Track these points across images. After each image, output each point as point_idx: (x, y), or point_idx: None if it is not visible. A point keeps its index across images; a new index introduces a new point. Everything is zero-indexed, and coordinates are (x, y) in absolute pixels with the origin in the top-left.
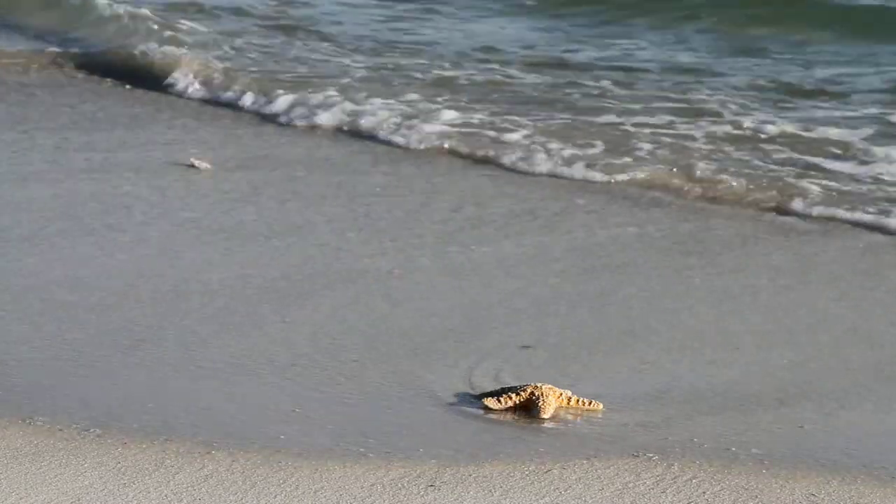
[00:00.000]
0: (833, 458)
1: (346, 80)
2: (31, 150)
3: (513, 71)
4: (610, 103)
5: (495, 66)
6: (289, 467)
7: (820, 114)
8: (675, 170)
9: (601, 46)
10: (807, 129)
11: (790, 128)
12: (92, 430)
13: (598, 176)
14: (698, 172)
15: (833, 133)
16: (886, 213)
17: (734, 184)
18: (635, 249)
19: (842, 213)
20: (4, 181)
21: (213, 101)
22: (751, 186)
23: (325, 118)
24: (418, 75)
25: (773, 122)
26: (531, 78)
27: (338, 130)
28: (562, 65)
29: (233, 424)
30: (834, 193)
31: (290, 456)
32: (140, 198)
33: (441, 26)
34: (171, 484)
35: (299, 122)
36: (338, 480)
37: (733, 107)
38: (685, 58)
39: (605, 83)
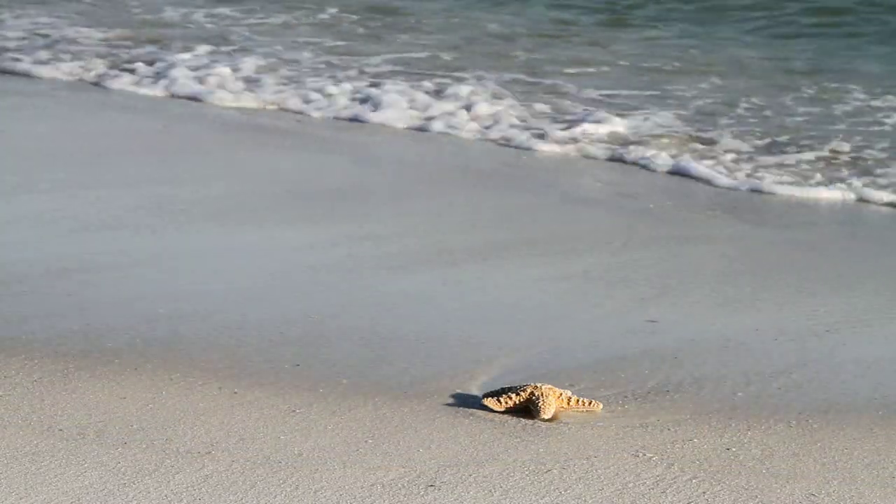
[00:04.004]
0: (833, 457)
1: None
2: None
3: None
4: None
5: None
6: (289, 467)
7: None
8: None
9: None
10: None
11: None
12: (92, 430)
13: None
14: None
15: None
16: None
17: None
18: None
19: None
20: None
21: None
22: None
23: None
24: None
25: None
26: None
27: None
28: None
29: (233, 424)
30: None
31: (290, 456)
32: None
33: None
34: (171, 484)
35: None
36: (338, 480)
37: None
38: None
39: None
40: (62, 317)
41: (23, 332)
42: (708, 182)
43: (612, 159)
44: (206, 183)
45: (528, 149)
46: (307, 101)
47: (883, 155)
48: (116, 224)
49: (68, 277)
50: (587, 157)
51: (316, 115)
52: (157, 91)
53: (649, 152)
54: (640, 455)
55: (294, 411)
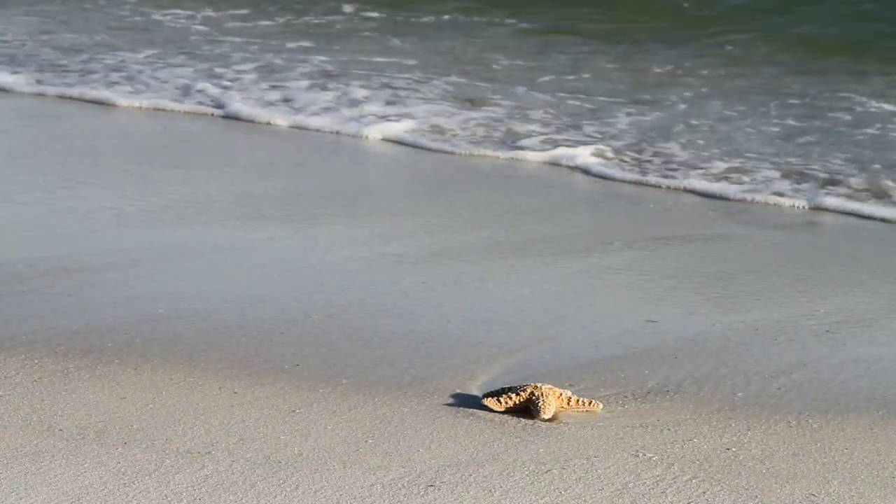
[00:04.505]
0: (833, 457)
1: None
2: None
3: None
4: None
5: None
6: (289, 467)
7: None
8: None
9: None
10: None
11: None
12: (92, 430)
13: None
14: None
15: None
16: None
17: None
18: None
19: None
20: None
21: None
22: None
23: None
24: None
25: None
26: None
27: None
28: None
29: (233, 424)
30: None
31: (290, 456)
32: None
33: None
34: (171, 484)
35: None
36: (338, 480)
37: None
38: None
39: None
40: (62, 317)
41: (23, 332)
42: (705, 190)
43: (608, 163)
44: (206, 183)
45: (525, 157)
46: (300, 107)
47: (883, 161)
48: (116, 224)
49: (68, 277)
50: (585, 160)
51: (312, 119)
52: (149, 99)
53: (646, 157)
54: (640, 455)
55: (294, 411)
